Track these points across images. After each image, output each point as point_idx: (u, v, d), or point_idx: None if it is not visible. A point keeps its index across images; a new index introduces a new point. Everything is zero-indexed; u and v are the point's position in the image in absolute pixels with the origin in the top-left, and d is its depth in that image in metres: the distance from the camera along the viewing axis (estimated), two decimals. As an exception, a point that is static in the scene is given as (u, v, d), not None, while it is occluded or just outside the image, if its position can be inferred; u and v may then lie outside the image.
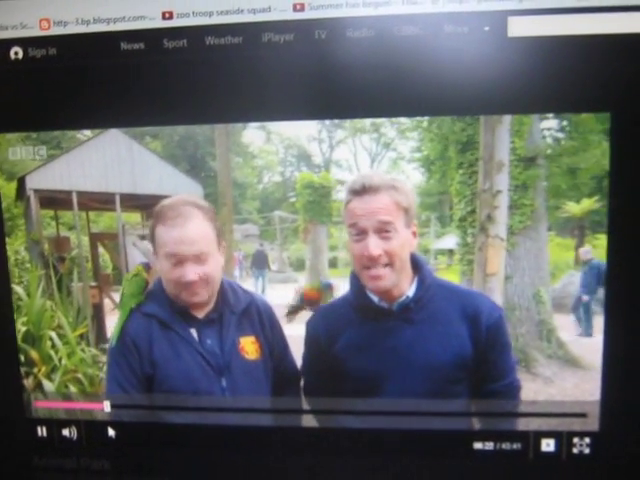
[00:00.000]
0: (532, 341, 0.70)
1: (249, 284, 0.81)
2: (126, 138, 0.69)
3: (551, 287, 0.71)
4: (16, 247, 0.71)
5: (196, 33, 0.50)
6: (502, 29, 0.47)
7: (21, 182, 0.72)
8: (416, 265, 0.58)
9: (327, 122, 0.68)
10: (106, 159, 0.67)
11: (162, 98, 0.53)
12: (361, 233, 0.56)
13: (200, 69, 0.51)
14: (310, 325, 0.62)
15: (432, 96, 0.50)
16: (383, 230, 0.55)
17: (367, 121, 0.67)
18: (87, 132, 0.69)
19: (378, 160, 0.70)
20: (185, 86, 0.52)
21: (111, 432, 0.61)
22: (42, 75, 0.53)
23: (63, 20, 0.52)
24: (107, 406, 0.60)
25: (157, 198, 0.77)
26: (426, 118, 0.65)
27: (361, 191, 0.56)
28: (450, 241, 0.74)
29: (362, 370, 0.58)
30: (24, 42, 0.52)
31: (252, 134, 0.74)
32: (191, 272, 0.57)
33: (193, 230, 0.57)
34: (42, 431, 0.62)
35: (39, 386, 0.70)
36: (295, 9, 0.49)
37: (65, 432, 0.61)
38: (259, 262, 0.84)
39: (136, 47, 0.51)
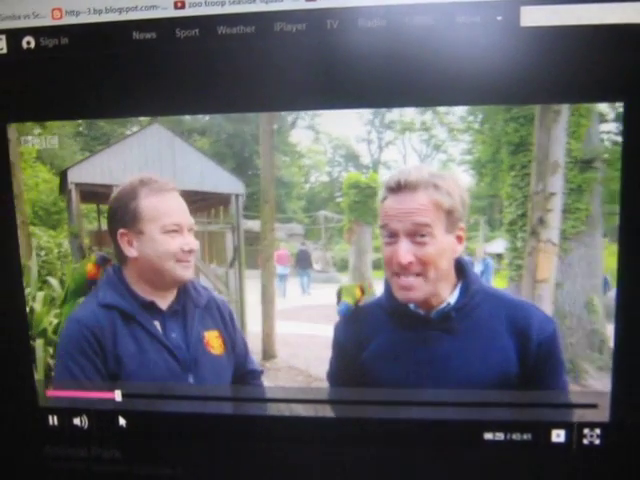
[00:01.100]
0: (582, 351, 0.67)
1: (294, 282, 0.81)
2: (168, 134, 0.69)
3: (605, 296, 0.69)
4: (60, 240, 0.71)
5: (208, 23, 0.50)
6: (515, 19, 0.47)
7: (64, 176, 0.72)
8: (461, 270, 0.53)
9: (377, 123, 0.68)
10: (147, 154, 0.67)
11: (173, 88, 0.53)
12: (392, 236, 0.51)
13: (212, 59, 0.51)
14: (339, 329, 0.58)
15: (443, 86, 0.50)
16: (417, 234, 0.50)
17: (417, 122, 0.67)
18: (133, 128, 0.69)
19: (428, 162, 0.70)
20: (196, 76, 0.52)
21: (122, 421, 0.60)
22: (54, 65, 0.53)
23: (75, 9, 0.52)
24: (118, 395, 0.59)
25: (198, 194, 0.76)
26: (479, 119, 0.65)
27: (396, 188, 0.50)
28: (499, 245, 0.72)
29: (391, 382, 0.54)
30: (36, 32, 0.52)
31: (300, 134, 0.74)
32: (193, 241, 0.58)
33: (178, 199, 0.59)
34: (53, 420, 0.61)
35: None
36: (307, -2, 0.49)
37: (76, 421, 0.60)
38: (303, 261, 0.83)
39: (148, 37, 0.51)
